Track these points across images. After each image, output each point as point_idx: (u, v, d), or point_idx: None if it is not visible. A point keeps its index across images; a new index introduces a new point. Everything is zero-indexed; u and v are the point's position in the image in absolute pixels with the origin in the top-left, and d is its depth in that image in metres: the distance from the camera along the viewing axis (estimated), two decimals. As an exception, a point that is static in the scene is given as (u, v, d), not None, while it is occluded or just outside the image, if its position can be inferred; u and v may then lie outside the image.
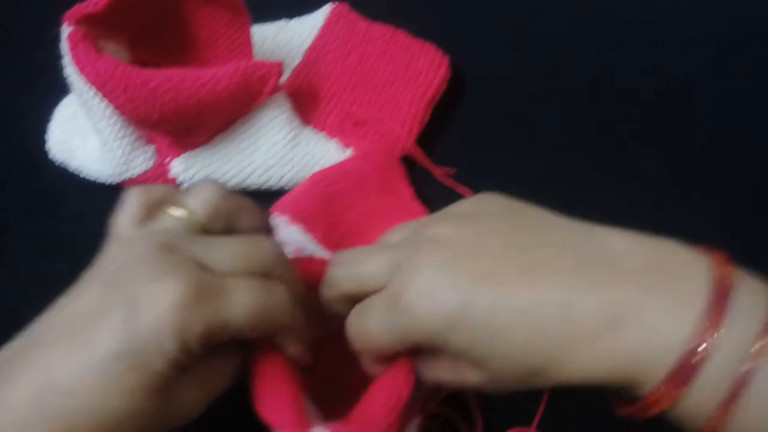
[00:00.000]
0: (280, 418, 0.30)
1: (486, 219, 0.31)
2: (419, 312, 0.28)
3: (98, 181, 0.46)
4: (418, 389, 0.32)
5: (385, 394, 0.31)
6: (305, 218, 0.39)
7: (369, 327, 0.30)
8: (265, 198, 0.46)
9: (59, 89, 0.45)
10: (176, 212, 0.31)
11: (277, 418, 0.30)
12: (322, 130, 0.46)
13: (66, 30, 0.40)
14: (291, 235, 0.38)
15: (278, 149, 0.44)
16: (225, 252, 0.30)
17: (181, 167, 0.45)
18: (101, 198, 0.46)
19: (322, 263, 0.35)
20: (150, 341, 0.26)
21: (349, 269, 0.32)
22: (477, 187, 0.44)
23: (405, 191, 0.43)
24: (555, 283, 0.27)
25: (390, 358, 0.31)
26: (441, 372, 0.31)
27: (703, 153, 0.46)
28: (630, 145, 0.47)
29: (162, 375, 0.27)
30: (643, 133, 0.47)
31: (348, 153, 0.45)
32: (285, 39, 0.50)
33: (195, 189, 0.32)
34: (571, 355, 0.27)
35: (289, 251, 0.38)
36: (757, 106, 0.48)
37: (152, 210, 0.32)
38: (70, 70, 0.41)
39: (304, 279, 0.35)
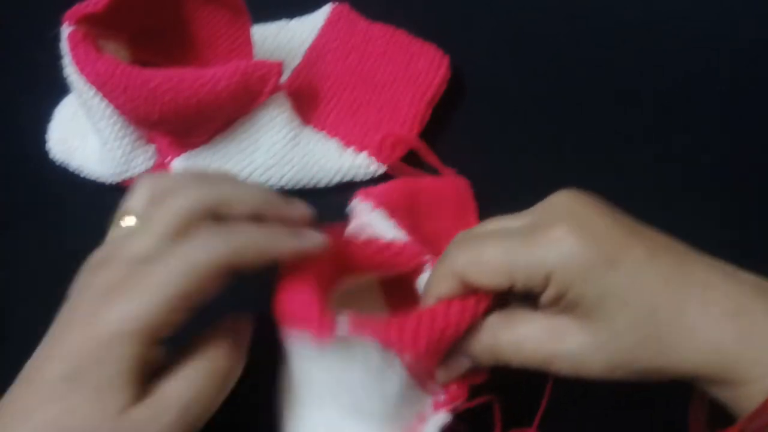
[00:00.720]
0: (301, 307, 0.29)
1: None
2: (568, 245, 0.28)
3: (98, 181, 0.46)
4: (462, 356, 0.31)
5: (434, 313, 0.30)
6: (388, 207, 0.38)
7: (490, 254, 0.30)
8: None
9: (59, 89, 0.45)
10: (125, 222, 0.32)
11: (296, 310, 0.29)
12: (322, 129, 0.46)
13: (66, 30, 0.40)
14: (374, 219, 0.37)
15: (278, 149, 0.44)
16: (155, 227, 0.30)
17: (181, 167, 0.45)
18: (101, 198, 0.46)
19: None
20: (104, 354, 0.27)
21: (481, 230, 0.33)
22: (477, 187, 0.44)
23: (474, 224, 0.43)
24: (699, 263, 0.29)
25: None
26: (526, 331, 0.30)
27: (703, 153, 0.46)
28: (629, 145, 0.47)
29: (133, 370, 0.27)
30: (642, 133, 0.47)
31: (348, 153, 0.45)
32: (285, 39, 0.50)
33: (131, 189, 0.32)
34: (696, 333, 0.27)
35: (368, 233, 0.37)
36: (758, 106, 0.48)
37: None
38: (70, 70, 0.41)
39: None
